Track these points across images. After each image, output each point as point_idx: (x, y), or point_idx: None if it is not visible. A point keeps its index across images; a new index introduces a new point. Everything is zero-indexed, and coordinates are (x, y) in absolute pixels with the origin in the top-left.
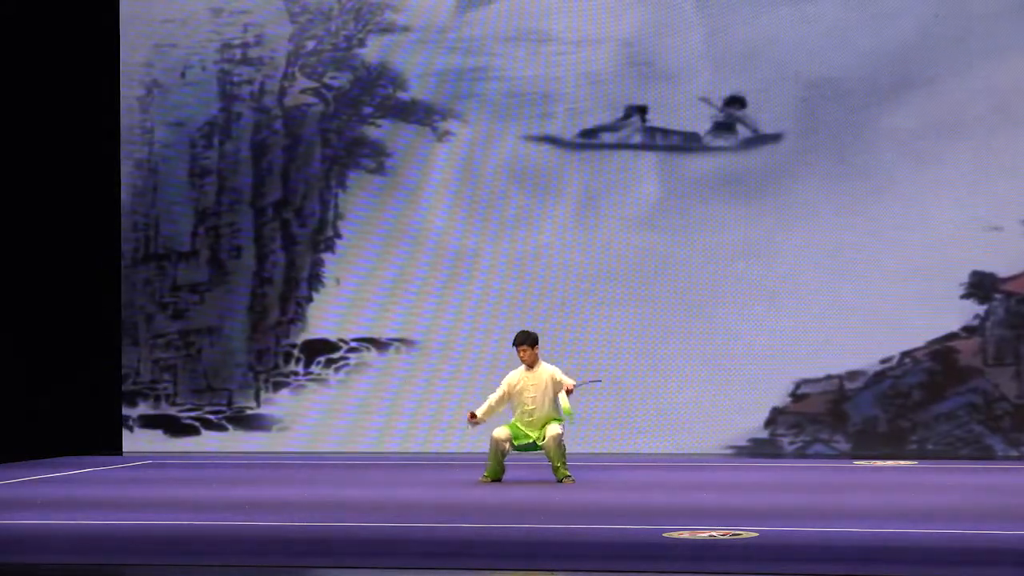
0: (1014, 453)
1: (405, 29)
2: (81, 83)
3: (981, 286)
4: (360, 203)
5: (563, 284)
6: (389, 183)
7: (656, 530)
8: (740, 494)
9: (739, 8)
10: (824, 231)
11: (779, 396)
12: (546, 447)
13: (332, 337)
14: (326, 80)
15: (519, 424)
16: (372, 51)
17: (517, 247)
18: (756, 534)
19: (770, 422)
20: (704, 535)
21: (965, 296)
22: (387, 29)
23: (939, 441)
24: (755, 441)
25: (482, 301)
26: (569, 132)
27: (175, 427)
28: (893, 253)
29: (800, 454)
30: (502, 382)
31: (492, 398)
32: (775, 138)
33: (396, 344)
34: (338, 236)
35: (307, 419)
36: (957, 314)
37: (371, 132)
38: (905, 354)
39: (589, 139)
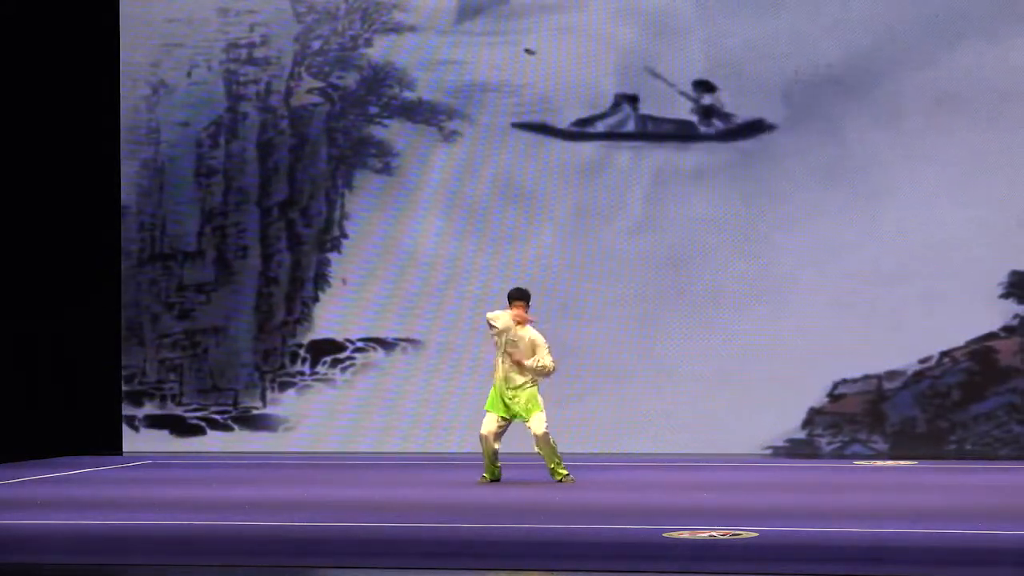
0: None
1: (411, 28)
2: (81, 83)
3: (1020, 285)
4: (366, 203)
5: (564, 284)
6: (394, 183)
7: (656, 530)
8: (740, 494)
9: (739, 8)
10: (863, 233)
11: (817, 396)
12: (537, 448)
13: (338, 337)
14: (332, 80)
15: (504, 399)
16: (378, 51)
17: (517, 248)
18: (756, 534)
19: (807, 423)
20: (704, 535)
21: (1004, 296)
22: (393, 28)
23: (978, 441)
24: (792, 442)
25: (479, 302)
26: (570, 131)
27: (181, 427)
28: (932, 253)
29: (838, 455)
30: (494, 321)
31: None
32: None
33: (402, 344)
34: (344, 236)
35: (313, 419)
36: (996, 314)
37: (377, 132)
38: (944, 354)
39: (586, 127)
